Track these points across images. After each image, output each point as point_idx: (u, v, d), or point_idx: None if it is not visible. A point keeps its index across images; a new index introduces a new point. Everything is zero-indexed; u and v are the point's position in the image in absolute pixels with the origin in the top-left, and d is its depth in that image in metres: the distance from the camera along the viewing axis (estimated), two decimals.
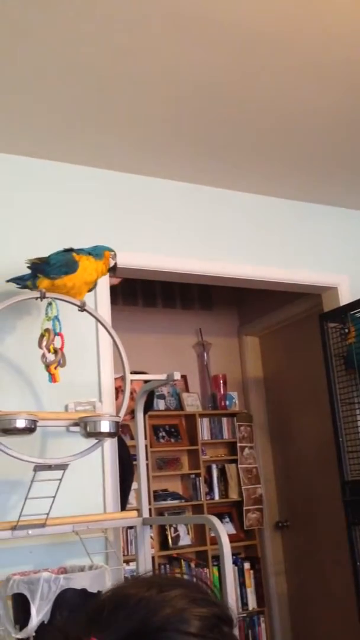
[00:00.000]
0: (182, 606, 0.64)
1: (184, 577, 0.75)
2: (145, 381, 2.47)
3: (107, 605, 0.65)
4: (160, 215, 2.90)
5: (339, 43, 2.08)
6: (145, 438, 3.24)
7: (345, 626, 3.28)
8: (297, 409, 4.15)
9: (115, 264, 2.25)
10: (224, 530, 1.88)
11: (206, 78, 2.21)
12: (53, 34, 1.94)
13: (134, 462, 2.90)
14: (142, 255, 2.78)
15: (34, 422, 1.96)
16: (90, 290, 2.27)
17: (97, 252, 2.21)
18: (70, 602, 1.74)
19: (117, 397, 2.67)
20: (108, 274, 2.31)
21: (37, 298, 2.14)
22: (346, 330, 3.00)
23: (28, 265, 2.17)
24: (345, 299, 3.22)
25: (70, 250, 2.20)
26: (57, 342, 2.11)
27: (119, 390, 2.72)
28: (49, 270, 2.14)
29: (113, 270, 2.27)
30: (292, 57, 2.13)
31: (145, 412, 2.51)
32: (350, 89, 2.34)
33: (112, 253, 2.24)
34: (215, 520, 1.92)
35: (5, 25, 1.89)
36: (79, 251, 2.20)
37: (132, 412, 2.56)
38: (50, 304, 2.15)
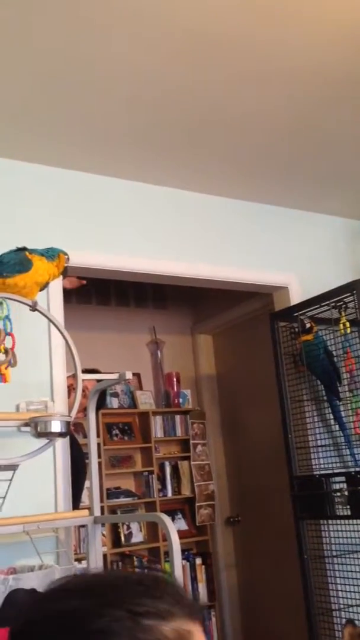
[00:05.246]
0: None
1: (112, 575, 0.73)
2: (98, 380, 2.48)
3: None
4: (114, 214, 2.91)
5: (287, 50, 2.13)
6: (99, 436, 3.24)
7: (294, 618, 3.36)
8: (249, 406, 4.22)
9: (66, 267, 2.24)
10: (173, 528, 1.91)
11: (161, 80, 2.24)
12: (19, 33, 1.93)
13: (87, 461, 2.91)
14: (95, 255, 2.78)
15: None
16: (41, 290, 2.26)
17: (50, 254, 2.20)
18: (19, 602, 1.74)
19: (69, 396, 2.67)
20: (61, 278, 2.31)
21: None
22: (297, 330, 3.07)
23: None
24: (295, 298, 3.29)
25: (24, 249, 2.18)
26: (7, 342, 2.09)
27: (71, 389, 2.72)
28: (2, 268, 2.11)
29: (64, 273, 2.26)
30: (239, 63, 2.17)
31: (97, 410, 2.52)
32: (294, 95, 2.40)
33: (67, 256, 2.23)
34: (165, 518, 1.95)
35: None
36: (32, 251, 2.19)
37: (84, 410, 2.56)
38: (0, 303, 2.13)
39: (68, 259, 2.24)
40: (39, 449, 2.11)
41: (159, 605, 0.62)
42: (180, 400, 4.61)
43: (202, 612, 0.67)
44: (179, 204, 3.12)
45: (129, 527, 4.18)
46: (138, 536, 4.20)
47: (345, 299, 2.88)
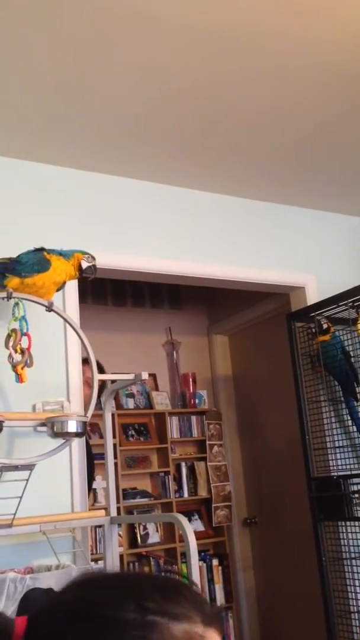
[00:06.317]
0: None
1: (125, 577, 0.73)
2: (113, 380, 2.48)
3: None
4: (130, 215, 2.91)
5: (307, 48, 2.12)
6: (115, 437, 3.25)
7: (311, 620, 3.34)
8: (266, 407, 4.20)
9: (93, 266, 2.24)
10: (190, 528, 1.90)
11: (174, 79, 2.23)
12: (19, 32, 1.94)
13: (99, 462, 2.90)
14: (111, 255, 2.78)
15: (0, 422, 1.95)
16: (58, 290, 2.27)
17: (66, 253, 2.21)
18: (37, 601, 1.74)
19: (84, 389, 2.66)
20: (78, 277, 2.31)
21: (3, 298, 2.13)
22: (314, 330, 3.05)
23: None
24: (312, 298, 3.27)
25: (42, 249, 2.20)
26: (24, 342, 2.10)
27: (87, 382, 2.70)
28: (20, 268, 2.12)
29: (91, 272, 2.26)
30: (255, 60, 2.16)
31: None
32: (315, 93, 2.38)
33: (86, 256, 2.23)
34: (182, 518, 1.94)
35: None
36: (50, 251, 2.20)
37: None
38: (17, 304, 2.14)
39: (89, 257, 2.24)
40: (56, 449, 2.11)
41: (173, 606, 0.63)
42: (196, 400, 4.60)
43: (220, 620, 0.68)
44: (195, 204, 3.11)
45: (145, 528, 4.18)
46: (154, 537, 4.19)
47: None
